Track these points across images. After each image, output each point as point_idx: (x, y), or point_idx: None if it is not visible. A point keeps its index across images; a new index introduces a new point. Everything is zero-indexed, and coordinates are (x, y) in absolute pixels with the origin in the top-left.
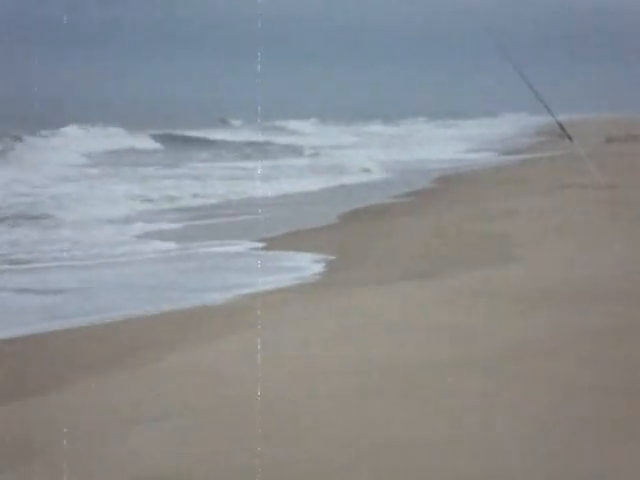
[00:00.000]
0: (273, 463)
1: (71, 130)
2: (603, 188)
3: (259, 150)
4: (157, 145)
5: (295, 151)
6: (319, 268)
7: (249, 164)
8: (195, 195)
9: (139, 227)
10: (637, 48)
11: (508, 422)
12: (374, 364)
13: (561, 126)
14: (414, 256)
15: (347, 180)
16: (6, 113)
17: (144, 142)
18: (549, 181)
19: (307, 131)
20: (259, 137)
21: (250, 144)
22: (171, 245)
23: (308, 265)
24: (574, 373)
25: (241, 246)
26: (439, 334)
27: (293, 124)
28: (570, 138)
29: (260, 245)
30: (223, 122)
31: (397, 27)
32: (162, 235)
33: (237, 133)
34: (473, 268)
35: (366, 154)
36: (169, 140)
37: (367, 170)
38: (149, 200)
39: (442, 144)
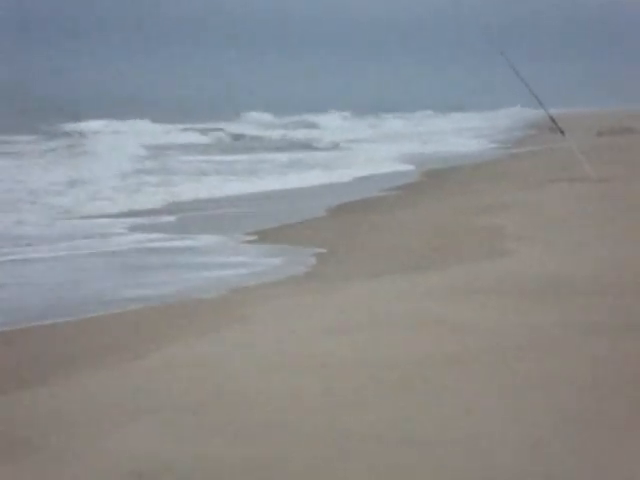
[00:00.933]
0: (266, 458)
1: (96, 125)
2: (595, 181)
3: (270, 143)
4: (202, 139)
5: (312, 144)
6: (311, 261)
7: (253, 157)
8: (212, 187)
9: (130, 221)
10: (629, 43)
11: (505, 420)
12: (366, 359)
13: (553, 120)
14: (405, 250)
15: (362, 173)
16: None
17: (180, 136)
18: (542, 174)
19: (323, 124)
20: (276, 131)
21: (264, 138)
22: (141, 237)
23: (295, 258)
24: (570, 369)
25: (219, 239)
26: (431, 328)
27: (310, 117)
28: (562, 132)
29: (250, 238)
30: (238, 115)
31: (403, 25)
32: (150, 228)
33: (254, 127)
34: (465, 262)
35: (379, 147)
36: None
37: (382, 162)
38: (160, 194)
39: (450, 137)
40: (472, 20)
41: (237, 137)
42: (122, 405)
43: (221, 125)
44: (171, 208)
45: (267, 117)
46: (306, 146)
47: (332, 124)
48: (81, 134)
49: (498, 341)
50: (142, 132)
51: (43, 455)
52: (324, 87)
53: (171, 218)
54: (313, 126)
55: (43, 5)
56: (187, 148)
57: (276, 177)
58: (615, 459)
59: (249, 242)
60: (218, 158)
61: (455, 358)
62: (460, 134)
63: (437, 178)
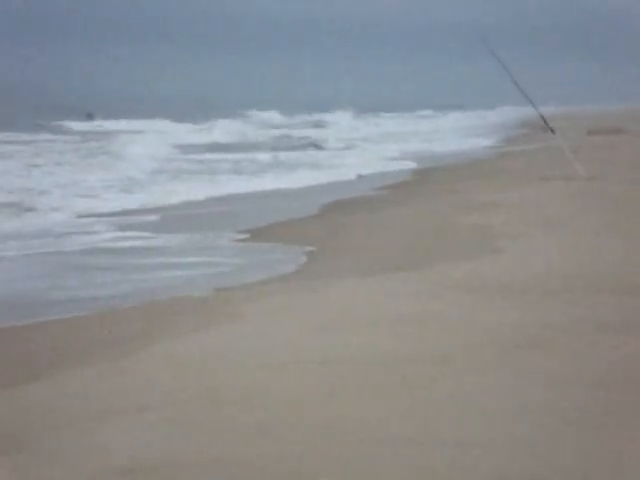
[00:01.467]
0: (257, 455)
1: (105, 124)
2: (584, 179)
3: (275, 142)
4: (207, 137)
5: (316, 143)
6: (302, 259)
7: (255, 156)
8: (215, 186)
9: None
10: (622, 43)
11: (490, 416)
12: (359, 357)
13: (543, 119)
14: (398, 248)
15: (365, 171)
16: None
17: (187, 136)
18: (533, 172)
19: (327, 123)
20: (281, 130)
21: (269, 137)
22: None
23: (286, 256)
24: (561, 366)
25: (212, 237)
26: (425, 326)
27: (314, 117)
28: (552, 131)
29: (242, 236)
30: (244, 114)
31: (404, 26)
32: (144, 227)
33: (258, 126)
34: (460, 260)
35: (381, 145)
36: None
37: (385, 160)
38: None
39: (449, 136)
40: (471, 21)
41: (242, 136)
42: (112, 403)
43: (227, 123)
44: (170, 207)
45: (274, 115)
46: (310, 144)
47: (335, 123)
48: (88, 133)
49: (494, 340)
50: (146, 132)
51: (31, 453)
52: (326, 87)
53: (158, 216)
54: (317, 125)
55: (55, 4)
56: (192, 148)
57: (279, 176)
58: (614, 459)
59: (241, 240)
60: (221, 157)
61: (451, 357)
62: (458, 133)
63: (431, 176)
